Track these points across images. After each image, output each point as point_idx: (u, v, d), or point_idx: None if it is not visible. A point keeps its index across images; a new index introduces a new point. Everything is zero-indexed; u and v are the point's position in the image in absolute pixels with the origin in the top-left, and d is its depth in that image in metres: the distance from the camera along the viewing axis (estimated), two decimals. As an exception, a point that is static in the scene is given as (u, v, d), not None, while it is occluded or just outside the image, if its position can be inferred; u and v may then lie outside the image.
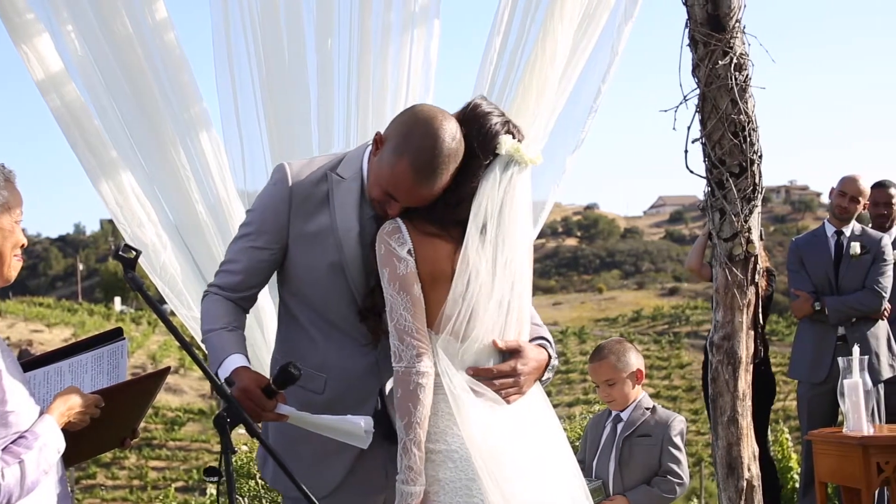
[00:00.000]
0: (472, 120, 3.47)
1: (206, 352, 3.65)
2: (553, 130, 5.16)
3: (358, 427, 3.50)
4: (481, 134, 3.44)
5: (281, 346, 3.86)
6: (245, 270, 3.70)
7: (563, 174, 5.23)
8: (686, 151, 5.05)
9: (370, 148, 3.62)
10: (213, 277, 3.81)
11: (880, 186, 8.20)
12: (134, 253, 3.17)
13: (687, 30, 5.02)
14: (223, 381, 3.42)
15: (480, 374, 3.46)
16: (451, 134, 3.41)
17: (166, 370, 3.67)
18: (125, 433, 3.61)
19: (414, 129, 3.44)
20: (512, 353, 3.53)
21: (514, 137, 3.47)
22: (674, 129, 5.07)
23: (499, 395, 3.46)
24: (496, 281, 3.44)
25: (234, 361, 3.52)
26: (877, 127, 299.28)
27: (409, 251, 3.40)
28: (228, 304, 3.70)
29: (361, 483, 3.73)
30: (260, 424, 3.46)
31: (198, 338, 5.07)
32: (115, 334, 3.63)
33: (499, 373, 3.48)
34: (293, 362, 3.35)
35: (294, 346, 3.75)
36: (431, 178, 3.39)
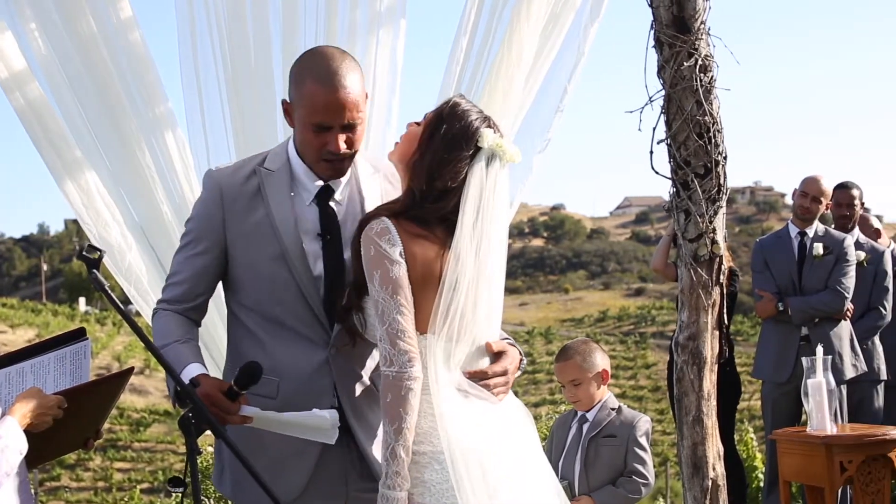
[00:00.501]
0: (453, 116, 3.45)
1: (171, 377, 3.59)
2: (520, 130, 5.17)
3: (325, 421, 3.49)
4: (463, 127, 3.43)
5: (230, 356, 3.82)
6: (189, 279, 3.68)
7: (530, 174, 5.24)
8: (651, 152, 5.06)
9: (290, 139, 3.72)
10: (162, 291, 3.77)
11: (842, 188, 8.27)
12: (98, 253, 3.15)
13: (652, 31, 5.04)
14: (189, 381, 3.39)
15: (477, 376, 3.46)
16: (332, 47, 3.71)
17: (129, 371, 3.64)
18: (88, 434, 3.59)
19: (299, 63, 3.61)
20: (499, 353, 3.54)
21: (494, 132, 3.46)
22: (639, 130, 5.08)
23: (493, 395, 3.45)
24: (480, 279, 3.42)
25: (193, 370, 3.48)
26: (845, 129, 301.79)
27: (400, 253, 3.34)
28: (179, 317, 3.67)
29: (321, 490, 3.68)
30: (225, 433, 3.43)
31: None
32: (78, 335, 3.61)
33: (493, 374, 3.48)
34: (253, 361, 3.34)
35: (243, 352, 3.68)
36: (339, 78, 3.49)
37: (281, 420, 3.49)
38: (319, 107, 3.48)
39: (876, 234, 8.54)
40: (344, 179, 3.71)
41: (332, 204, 3.68)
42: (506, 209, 3.55)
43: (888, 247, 8.42)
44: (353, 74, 3.52)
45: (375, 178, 3.80)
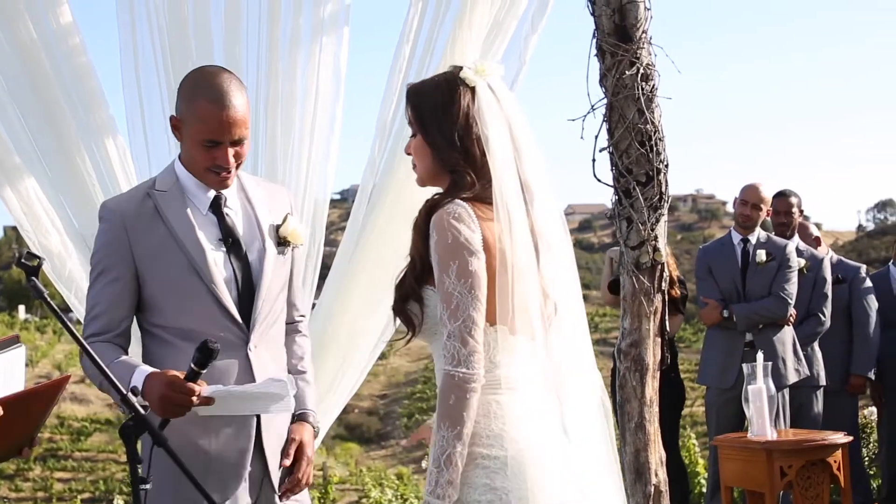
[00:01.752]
0: (422, 92, 3.34)
1: (109, 390, 3.55)
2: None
3: (284, 388, 3.50)
4: (445, 80, 3.30)
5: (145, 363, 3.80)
6: (109, 309, 3.70)
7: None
8: (594, 160, 5.09)
9: (174, 159, 3.82)
10: (84, 329, 3.76)
11: (781, 195, 8.38)
12: (37, 261, 3.12)
13: (594, 40, 5.08)
14: (130, 389, 3.37)
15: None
16: (221, 67, 3.85)
17: (65, 379, 3.59)
18: (24, 443, 3.54)
19: (190, 81, 3.73)
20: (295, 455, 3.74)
21: (466, 68, 3.29)
22: (581, 138, 5.12)
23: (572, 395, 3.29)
24: (539, 246, 3.23)
25: (144, 370, 3.50)
26: (787, 136, 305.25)
27: (480, 241, 3.10)
28: (108, 345, 3.68)
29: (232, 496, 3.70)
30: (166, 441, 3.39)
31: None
32: (12, 342, 3.56)
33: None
34: (206, 339, 3.34)
35: (159, 359, 3.70)
36: (230, 98, 3.61)
37: (243, 394, 3.52)
38: (212, 124, 3.60)
39: (815, 241, 8.65)
40: (233, 188, 3.83)
41: (226, 211, 3.79)
42: (533, 140, 3.33)
43: (827, 254, 8.53)
44: (241, 94, 3.66)
45: (260, 186, 3.97)
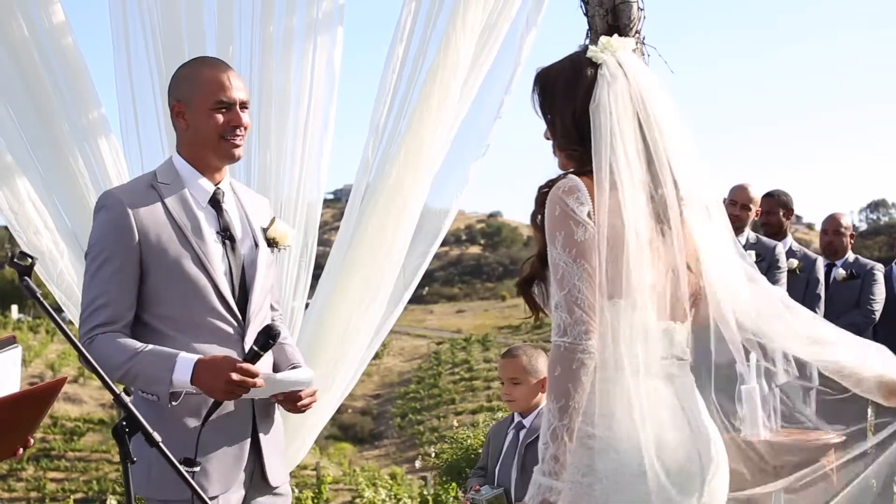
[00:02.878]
0: (554, 64, 3.25)
1: (136, 379, 3.57)
2: (456, 137, 5.18)
3: (308, 375, 3.82)
4: (570, 61, 3.21)
5: None
6: (116, 299, 3.68)
7: (467, 182, 5.25)
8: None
9: (172, 154, 3.90)
10: (84, 324, 3.71)
11: (766, 196, 8.39)
12: (30, 260, 3.12)
13: (587, 40, 5.09)
14: (145, 394, 3.53)
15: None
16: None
17: (62, 381, 3.59)
18: (17, 443, 3.54)
19: (186, 66, 3.90)
20: None
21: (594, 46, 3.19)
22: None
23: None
24: (669, 216, 3.10)
25: (188, 357, 3.55)
26: (777, 135, 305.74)
27: (589, 213, 3.01)
28: (122, 335, 3.67)
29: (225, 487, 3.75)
30: (159, 441, 3.39)
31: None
32: (8, 342, 3.56)
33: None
34: (271, 324, 3.57)
35: None
36: (226, 64, 3.85)
37: (282, 380, 3.75)
38: (219, 85, 3.75)
39: (850, 237, 8.83)
40: (226, 189, 3.90)
41: (224, 206, 3.86)
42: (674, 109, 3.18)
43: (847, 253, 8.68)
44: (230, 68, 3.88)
45: (247, 191, 4.08)
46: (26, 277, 3.10)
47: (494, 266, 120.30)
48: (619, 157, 3.05)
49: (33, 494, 44.17)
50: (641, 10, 5.04)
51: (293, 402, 3.82)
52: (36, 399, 3.45)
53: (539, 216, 3.14)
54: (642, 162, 3.09)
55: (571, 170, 3.15)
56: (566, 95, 3.16)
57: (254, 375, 3.51)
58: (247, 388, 3.51)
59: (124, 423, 3.14)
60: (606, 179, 3.04)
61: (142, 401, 3.65)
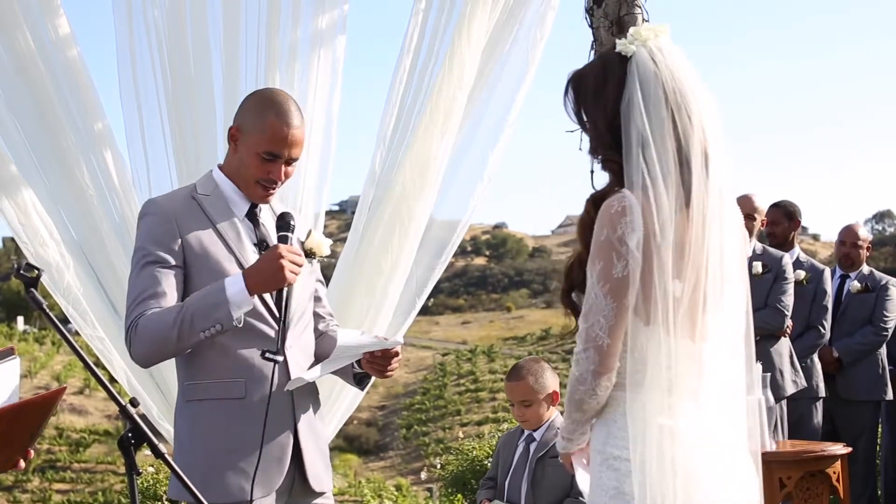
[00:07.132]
0: (586, 66, 3.11)
1: (194, 321, 3.55)
2: (462, 150, 5.20)
3: (385, 342, 3.84)
4: (599, 60, 3.06)
5: (187, 368, 3.81)
6: (163, 292, 3.66)
7: (473, 196, 5.28)
8: (592, 172, 5.08)
9: (213, 168, 3.94)
10: (129, 316, 3.68)
11: (775, 206, 8.36)
12: (36, 272, 3.12)
13: (592, 52, 5.09)
14: (207, 333, 3.54)
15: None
16: (284, 91, 4.04)
17: (61, 391, 3.58)
18: (19, 454, 3.53)
19: (259, 96, 3.91)
20: None
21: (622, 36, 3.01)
22: (580, 149, 5.10)
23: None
24: (724, 247, 2.98)
25: (233, 276, 3.61)
26: (783, 146, 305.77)
27: (637, 243, 2.83)
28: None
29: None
30: (167, 453, 3.39)
31: (102, 358, 5.00)
32: (7, 354, 3.55)
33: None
34: (284, 211, 3.78)
35: (202, 359, 3.74)
36: (295, 119, 3.80)
37: (360, 345, 3.90)
38: (276, 138, 3.75)
39: (868, 249, 8.82)
40: (264, 205, 3.95)
41: (260, 219, 3.91)
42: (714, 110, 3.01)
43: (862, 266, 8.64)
44: (301, 120, 3.85)
45: (282, 206, 4.09)
46: (32, 289, 3.10)
47: (500, 277, 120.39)
48: (652, 165, 2.89)
49: (39, 506, 44.19)
50: (646, 21, 5.04)
51: (383, 364, 3.89)
52: (35, 409, 3.44)
53: (588, 220, 2.98)
54: (676, 165, 2.91)
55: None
56: (596, 96, 2.99)
57: (299, 253, 3.63)
58: (301, 263, 3.60)
59: (130, 434, 3.13)
60: (639, 187, 2.88)
61: (209, 409, 3.71)
